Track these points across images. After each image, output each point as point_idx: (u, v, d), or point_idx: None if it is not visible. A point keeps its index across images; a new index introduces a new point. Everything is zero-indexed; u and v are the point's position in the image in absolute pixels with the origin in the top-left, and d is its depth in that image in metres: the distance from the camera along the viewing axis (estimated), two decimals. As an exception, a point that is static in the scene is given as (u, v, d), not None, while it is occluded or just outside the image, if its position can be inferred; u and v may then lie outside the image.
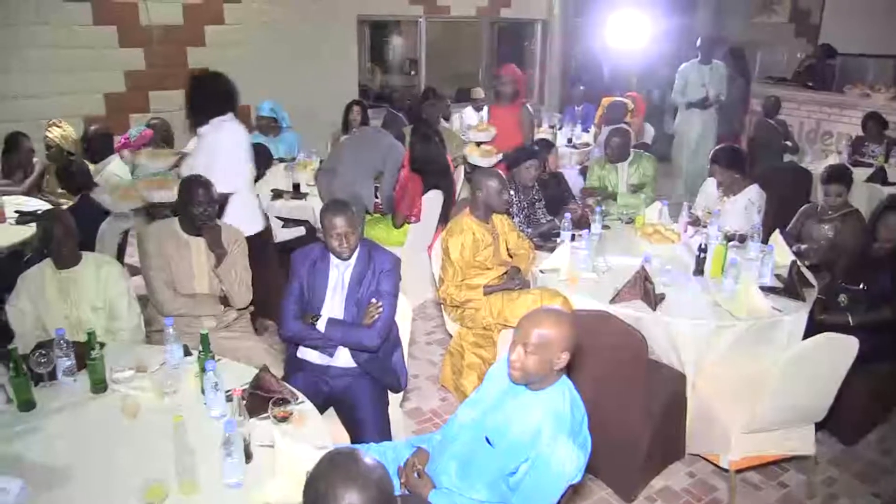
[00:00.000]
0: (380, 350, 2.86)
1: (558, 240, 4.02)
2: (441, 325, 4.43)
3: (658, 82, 9.50)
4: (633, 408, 2.92)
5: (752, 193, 4.36)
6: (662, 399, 3.09)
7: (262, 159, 5.07)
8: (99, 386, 2.45)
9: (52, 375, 2.50)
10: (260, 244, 3.67)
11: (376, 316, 2.80)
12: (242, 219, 3.58)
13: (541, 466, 1.95)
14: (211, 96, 3.68)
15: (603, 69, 10.33)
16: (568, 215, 4.07)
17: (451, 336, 3.85)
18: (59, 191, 4.94)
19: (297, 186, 5.05)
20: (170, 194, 3.55)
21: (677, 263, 3.77)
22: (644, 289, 3.31)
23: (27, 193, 4.82)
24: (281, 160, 5.67)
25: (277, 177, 5.24)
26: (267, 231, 4.20)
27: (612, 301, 3.29)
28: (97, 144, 4.86)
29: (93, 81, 6.68)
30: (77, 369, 2.52)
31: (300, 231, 4.80)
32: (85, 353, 2.45)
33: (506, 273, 3.66)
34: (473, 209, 3.64)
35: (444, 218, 4.73)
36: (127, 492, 1.92)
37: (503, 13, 9.64)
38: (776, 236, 3.94)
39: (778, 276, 3.60)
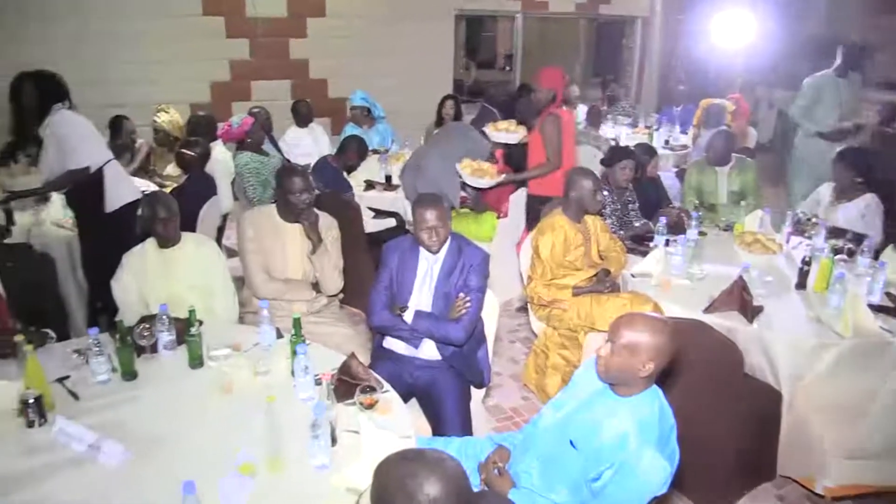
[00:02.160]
0: (465, 345, 2.86)
1: (652, 244, 3.91)
2: (526, 323, 4.39)
3: (765, 83, 9.08)
4: (724, 423, 2.80)
5: (870, 202, 4.10)
6: (755, 416, 2.95)
7: (358, 150, 5.18)
8: (196, 361, 2.56)
9: (154, 349, 2.64)
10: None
11: (463, 311, 2.80)
12: (119, 188, 3.87)
13: (625, 474, 1.90)
14: (44, 95, 3.72)
15: (705, 69, 9.96)
16: (663, 219, 3.95)
17: (535, 335, 3.82)
18: (164, 172, 5.20)
19: (388, 178, 5.12)
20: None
21: (778, 275, 3.59)
22: (741, 300, 3.17)
23: (133, 174, 5.09)
24: (374, 151, 5.76)
25: (370, 168, 5.32)
26: (357, 221, 4.28)
27: (707, 310, 3.17)
28: (201, 130, 5.08)
29: (200, 70, 7.02)
30: (177, 344, 2.65)
31: (390, 222, 4.86)
32: (185, 330, 2.57)
33: (596, 275, 3.58)
34: (566, 208, 3.58)
35: (535, 216, 4.68)
36: (219, 464, 1.99)
37: (602, 10, 9.45)
38: (890, 252, 3.69)
39: (889, 295, 3.37)
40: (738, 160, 4.84)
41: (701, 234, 4.02)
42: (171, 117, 5.19)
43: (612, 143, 6.43)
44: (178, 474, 1.87)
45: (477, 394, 3.04)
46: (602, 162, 4.52)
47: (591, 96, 9.33)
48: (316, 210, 3.25)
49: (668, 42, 10.03)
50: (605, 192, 4.06)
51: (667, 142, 7.20)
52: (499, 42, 11.38)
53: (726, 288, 3.23)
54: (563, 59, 10.11)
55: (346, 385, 2.34)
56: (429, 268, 2.90)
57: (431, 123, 6.48)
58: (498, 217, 4.66)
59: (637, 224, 4.26)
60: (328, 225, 3.28)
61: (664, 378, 2.04)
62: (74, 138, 3.68)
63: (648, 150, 4.96)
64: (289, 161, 5.29)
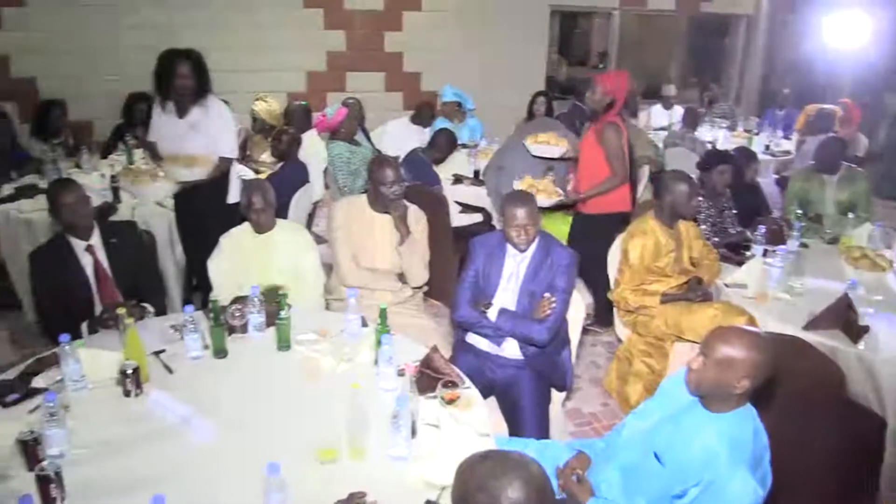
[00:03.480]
0: (548, 346, 2.82)
1: (748, 253, 3.73)
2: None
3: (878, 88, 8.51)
4: (821, 449, 2.64)
5: None
6: (855, 443, 2.77)
7: (447, 144, 5.20)
8: (284, 344, 2.62)
9: (244, 329, 2.73)
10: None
11: (549, 311, 2.76)
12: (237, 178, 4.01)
13: (713, 494, 1.82)
14: (203, 77, 3.78)
15: (812, 71, 9.43)
16: (762, 228, 3.77)
17: (619, 340, 3.72)
18: (260, 158, 5.36)
19: (476, 173, 5.11)
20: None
21: (887, 294, 3.36)
22: (845, 318, 2.98)
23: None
24: (463, 146, 5.76)
25: (459, 162, 5.32)
26: (444, 214, 4.29)
27: (807, 327, 3.00)
28: (297, 119, 5.22)
29: (297, 60, 7.22)
30: (266, 326, 2.73)
31: (477, 217, 4.86)
32: (275, 313, 2.64)
33: (686, 282, 3.45)
34: (658, 212, 3.47)
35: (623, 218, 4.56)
36: (301, 446, 2.03)
37: (704, 7, 9.09)
38: None
39: None
40: (847, 169, 4.56)
41: (803, 245, 3.81)
42: (269, 106, 5.34)
43: (709, 146, 6.18)
44: (262, 454, 1.92)
45: (556, 396, 2.99)
46: (698, 166, 4.35)
47: (688, 97, 9.00)
48: (406, 202, 3.27)
49: (774, 42, 9.55)
50: (701, 198, 3.91)
51: (767, 147, 6.87)
52: (593, 39, 11.16)
53: (830, 304, 3.05)
54: (660, 57, 9.81)
55: (427, 378, 2.35)
56: (515, 266, 2.87)
57: (522, 119, 6.43)
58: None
59: (733, 232, 4.08)
60: (417, 217, 3.30)
61: (758, 396, 1.94)
62: (230, 128, 3.88)
63: (748, 155, 4.74)
64: (379, 152, 5.36)
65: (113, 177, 4.47)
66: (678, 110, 7.51)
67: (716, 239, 3.95)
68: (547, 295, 2.79)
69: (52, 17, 6.48)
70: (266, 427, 2.19)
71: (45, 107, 5.58)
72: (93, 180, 4.51)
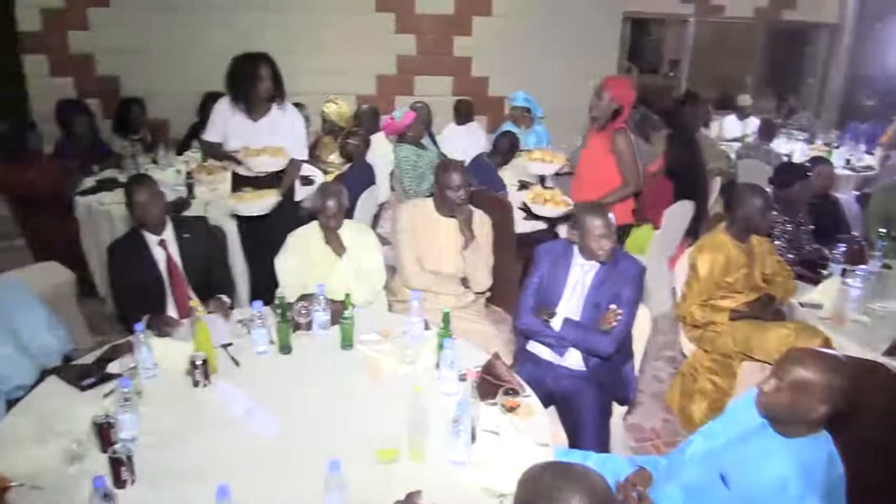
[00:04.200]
0: (612, 358, 2.77)
1: (825, 272, 3.57)
2: (673, 341, 4.19)
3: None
4: (899, 481, 2.51)
5: None
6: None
7: (508, 147, 5.18)
8: (347, 343, 2.66)
9: (309, 326, 2.78)
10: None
11: (614, 323, 2.71)
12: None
13: (782, 523, 1.75)
14: (279, 81, 3.78)
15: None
16: (841, 246, 3.61)
17: (684, 356, 3.63)
18: (328, 159, 5.45)
19: (542, 179, 5.07)
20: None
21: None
22: (931, 344, 2.83)
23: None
24: (529, 152, 5.71)
25: (524, 168, 5.28)
26: (508, 220, 4.27)
27: (887, 353, 2.85)
28: (366, 122, 5.28)
29: (367, 63, 7.31)
30: (330, 325, 2.76)
31: (541, 224, 4.81)
32: (339, 312, 2.67)
33: (757, 299, 3.33)
34: (730, 226, 3.36)
35: (693, 231, 4.46)
36: (362, 445, 2.05)
37: (786, 15, 8.79)
38: None
39: None
40: (937, 187, 4.33)
41: (885, 266, 3.63)
42: (339, 108, 5.43)
43: (785, 158, 5.97)
44: (323, 450, 1.95)
45: (617, 410, 2.93)
46: (772, 180, 4.20)
47: (764, 108, 8.71)
48: (471, 206, 3.27)
49: (858, 51, 9.15)
50: (775, 212, 3.77)
51: (848, 161, 6.59)
52: (665, 46, 10.94)
53: (914, 329, 2.90)
54: (735, 65, 9.53)
55: (488, 384, 2.33)
56: (581, 275, 2.83)
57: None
58: (654, 228, 4.47)
59: (809, 249, 3.92)
60: (482, 222, 3.29)
61: (834, 422, 1.85)
62: (302, 132, 3.95)
63: (822, 163, 4.53)
64: (445, 156, 5.38)
65: (188, 173, 4.63)
66: (753, 121, 7.29)
67: (791, 255, 3.80)
68: (613, 307, 2.74)
69: (135, 19, 6.77)
70: (328, 424, 2.22)
71: (125, 104, 5.82)
72: (168, 176, 4.68)
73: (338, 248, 3.14)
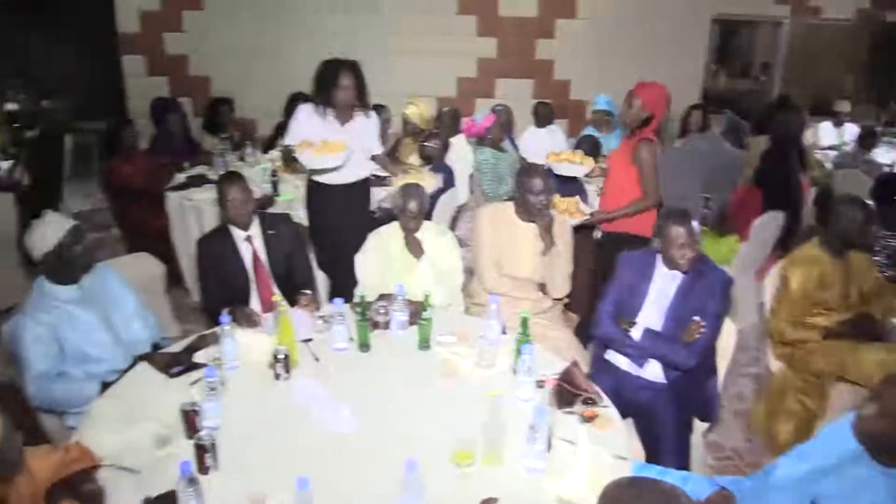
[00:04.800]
0: (693, 372, 2.67)
1: (930, 291, 3.35)
2: (759, 357, 4.01)
3: None
4: None
5: None
6: None
7: (589, 150, 5.07)
8: (424, 344, 2.66)
9: (387, 326, 2.80)
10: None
11: (697, 335, 2.62)
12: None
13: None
14: (363, 86, 3.76)
15: None
16: (949, 264, 3.38)
17: (770, 373, 3.46)
18: (408, 161, 5.50)
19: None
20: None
21: None
22: None
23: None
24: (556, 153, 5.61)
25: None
26: (588, 226, 4.19)
27: None
28: (447, 124, 5.30)
29: (449, 65, 7.36)
30: (408, 325, 2.78)
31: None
32: (418, 312, 2.68)
33: (854, 318, 3.15)
34: (825, 240, 3.19)
35: (783, 243, 4.26)
36: (438, 446, 2.05)
37: (889, 17, 8.29)
38: None
39: None
40: None
41: None
42: (420, 110, 5.46)
43: (886, 169, 5.64)
44: (399, 449, 1.97)
45: (698, 426, 2.83)
46: (872, 192, 3.97)
47: (862, 114, 8.25)
48: (552, 211, 3.23)
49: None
50: (875, 226, 3.56)
51: (956, 174, 6.16)
52: (756, 49, 10.51)
53: None
54: (832, 69, 9.06)
55: (566, 393, 2.29)
56: (665, 285, 2.75)
57: (674, 134, 6.17)
58: (740, 239, 4.30)
59: (913, 266, 3.68)
60: (562, 228, 3.24)
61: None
62: (377, 136, 3.98)
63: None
64: (524, 159, 5.34)
65: (273, 171, 4.76)
66: (850, 128, 6.92)
67: (892, 273, 3.58)
68: (697, 319, 2.65)
69: (227, 21, 7.04)
70: (404, 423, 2.23)
71: (215, 104, 6.05)
72: (254, 174, 4.82)
73: (416, 250, 3.17)
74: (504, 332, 2.74)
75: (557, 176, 4.07)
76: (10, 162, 5.35)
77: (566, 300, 3.40)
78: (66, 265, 2.58)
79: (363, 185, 4.01)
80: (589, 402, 2.21)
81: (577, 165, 4.21)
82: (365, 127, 3.84)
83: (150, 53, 7.16)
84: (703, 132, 5.79)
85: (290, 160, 3.92)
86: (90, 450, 1.97)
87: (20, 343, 2.49)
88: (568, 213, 3.85)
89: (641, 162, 3.60)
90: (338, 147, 3.54)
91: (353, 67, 3.69)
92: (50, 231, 2.53)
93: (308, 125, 3.72)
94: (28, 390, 2.44)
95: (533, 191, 3.09)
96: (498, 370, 2.52)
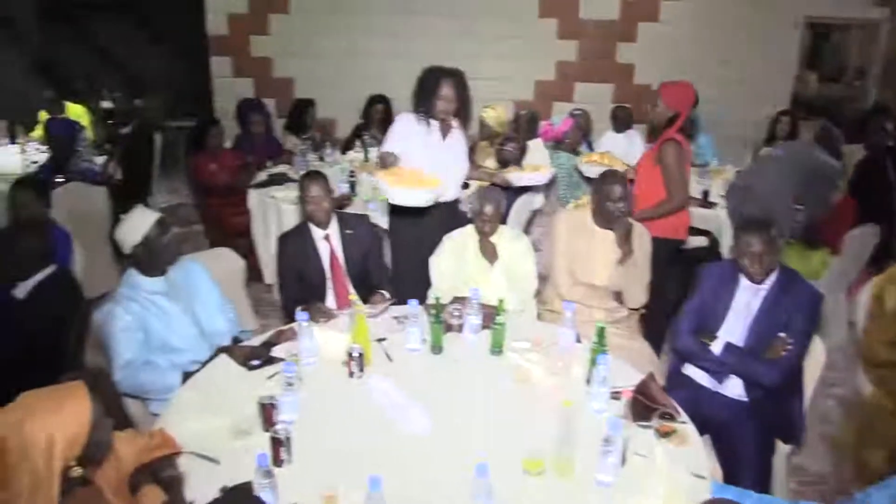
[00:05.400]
0: (778, 391, 2.56)
1: None
2: (848, 378, 3.80)
3: None
4: None
5: None
6: None
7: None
8: (497, 349, 2.65)
9: (460, 329, 2.79)
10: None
11: (782, 352, 2.51)
12: None
13: None
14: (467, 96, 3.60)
15: None
16: None
17: (860, 396, 3.27)
18: (484, 164, 5.49)
19: (706, 194, 4.81)
20: None
21: None
22: None
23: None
24: (691, 165, 5.44)
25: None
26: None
27: None
28: (524, 127, 5.27)
29: (526, 69, 7.31)
30: (481, 328, 2.77)
31: (702, 241, 4.57)
32: (492, 316, 2.67)
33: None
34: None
35: (877, 258, 4.03)
36: (508, 453, 2.03)
37: None
38: None
39: None
40: None
41: None
42: (498, 114, 5.44)
43: None
44: (470, 453, 1.96)
45: (780, 448, 2.70)
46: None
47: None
48: (630, 219, 3.15)
49: None
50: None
51: None
52: (849, 52, 10.01)
53: None
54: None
55: (642, 406, 2.23)
56: (748, 299, 2.65)
57: (760, 140, 5.94)
58: (832, 253, 4.09)
59: None
60: (641, 236, 3.16)
61: None
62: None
63: None
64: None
65: (351, 171, 4.84)
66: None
67: None
68: (782, 335, 2.54)
69: (311, 24, 7.21)
70: (475, 427, 2.22)
71: (298, 105, 6.20)
72: (334, 173, 4.91)
73: (491, 255, 3.15)
74: (578, 341, 2.69)
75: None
76: (105, 157, 5.65)
77: (643, 311, 3.31)
78: (153, 257, 2.69)
79: (453, 206, 3.80)
80: (666, 416, 2.14)
81: (597, 163, 4.24)
82: (459, 141, 3.71)
83: (236, 55, 7.42)
84: (791, 139, 5.55)
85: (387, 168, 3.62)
86: (172, 437, 2.04)
87: (109, 331, 2.61)
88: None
89: (666, 162, 3.55)
90: (431, 183, 3.27)
91: (455, 76, 3.51)
92: (138, 224, 2.65)
93: (407, 136, 3.55)
94: (115, 376, 2.55)
95: (611, 197, 3.03)
96: (571, 379, 2.47)
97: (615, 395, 2.29)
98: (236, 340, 2.84)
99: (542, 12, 7.12)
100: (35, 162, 5.31)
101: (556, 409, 2.04)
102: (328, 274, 3.21)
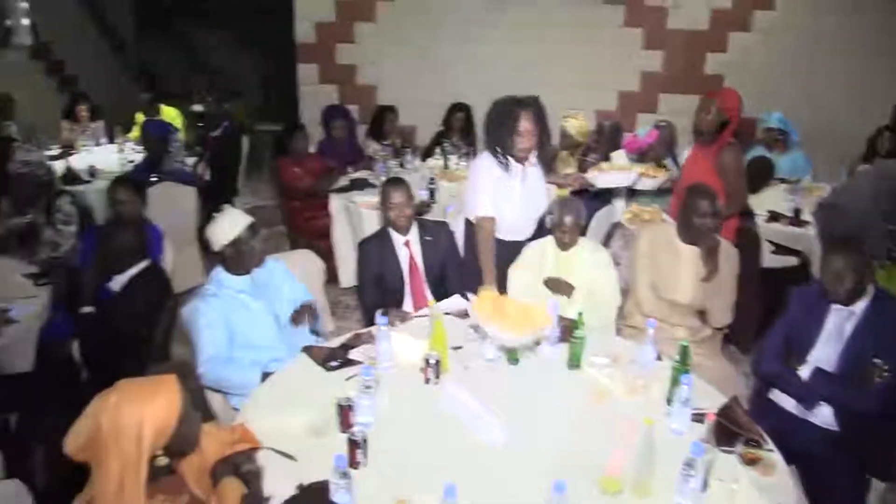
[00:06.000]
0: (872, 421, 2.41)
1: None
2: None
3: None
4: None
5: None
6: None
7: (759, 173, 4.76)
8: (574, 363, 2.60)
9: (537, 341, 2.75)
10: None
11: (878, 380, 2.37)
12: None
13: None
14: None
15: None
16: None
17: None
18: (564, 173, 5.43)
19: (797, 212, 4.60)
20: None
21: None
22: None
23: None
24: (782, 180, 5.23)
25: (775, 198, 4.84)
26: (755, 253, 3.94)
27: None
28: (607, 138, 5.19)
29: (610, 79, 7.18)
30: (558, 342, 2.72)
31: (792, 261, 4.37)
32: (569, 330, 2.63)
33: None
34: None
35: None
36: (583, 469, 1.99)
37: None
38: None
39: None
40: None
41: None
42: (579, 123, 5.37)
43: None
44: (546, 467, 1.94)
45: (875, 485, 2.54)
46: None
47: None
48: (717, 236, 3.05)
49: None
50: None
51: None
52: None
53: None
54: None
55: (726, 430, 2.14)
56: (840, 323, 2.52)
57: (857, 156, 5.64)
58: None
59: None
60: (728, 254, 3.05)
61: None
62: None
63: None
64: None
65: (431, 178, 4.88)
66: None
67: None
68: (879, 361, 2.39)
69: (395, 33, 7.34)
70: (550, 441, 2.19)
71: (380, 112, 6.30)
72: (414, 180, 4.96)
73: (566, 289, 3.11)
74: (659, 359, 2.62)
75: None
76: (195, 159, 5.89)
77: (726, 331, 3.20)
78: (240, 258, 2.79)
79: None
80: (752, 443, 2.06)
81: (652, 178, 4.25)
82: (538, 179, 3.42)
83: (322, 62, 7.61)
84: (893, 156, 5.25)
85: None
86: (252, 432, 2.09)
87: (194, 326, 2.72)
88: (651, 222, 3.86)
89: (727, 167, 3.59)
90: (540, 321, 2.58)
91: (533, 106, 3.20)
92: (230, 225, 2.74)
93: (492, 187, 3.27)
94: (198, 370, 2.64)
95: (699, 212, 2.94)
96: (651, 398, 2.40)
97: (697, 418, 2.21)
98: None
99: (628, 21, 7.00)
100: (131, 161, 5.60)
101: (635, 427, 1.99)
102: (407, 279, 3.24)
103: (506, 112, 3.19)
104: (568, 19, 7.01)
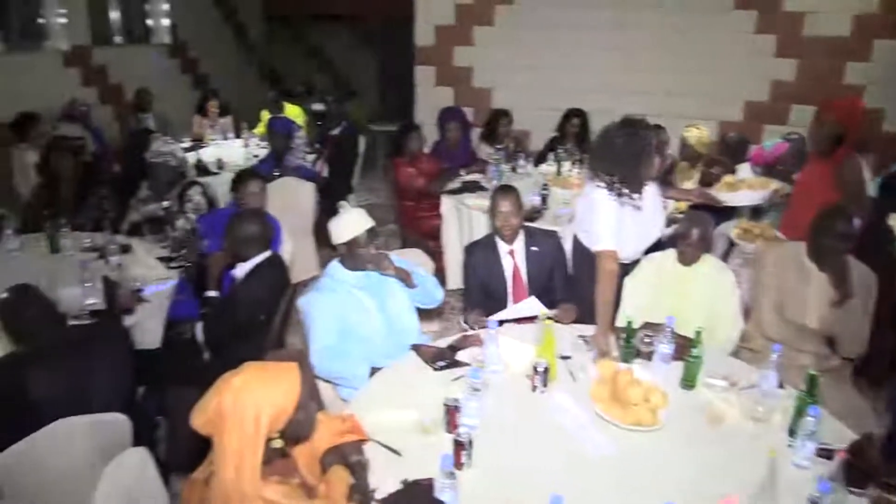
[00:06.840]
0: None
1: None
2: None
3: None
4: None
5: None
6: None
7: None
8: (689, 383, 2.49)
9: (650, 356, 2.66)
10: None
11: None
12: None
13: None
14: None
15: None
16: None
17: None
18: (683, 186, 5.22)
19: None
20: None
21: None
22: None
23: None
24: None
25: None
26: (892, 282, 3.65)
27: None
28: (732, 150, 4.96)
29: (735, 88, 6.84)
30: (672, 359, 2.62)
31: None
32: (685, 348, 2.52)
33: None
34: None
35: None
36: (696, 496, 1.92)
37: None
38: None
39: None
40: None
41: None
42: (701, 133, 5.16)
43: None
44: (657, 488, 1.87)
45: None
46: None
47: None
48: (851, 258, 2.84)
49: None
50: None
51: None
52: None
53: None
54: None
55: (857, 471, 1.98)
56: None
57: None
58: None
59: None
60: (864, 279, 2.83)
61: None
62: None
63: None
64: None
65: (543, 184, 4.83)
66: None
67: None
68: None
69: (512, 37, 7.32)
70: (661, 461, 2.12)
71: (494, 115, 6.29)
72: (526, 185, 4.92)
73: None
74: (781, 386, 2.46)
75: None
76: (314, 156, 6.12)
77: (857, 362, 2.97)
78: (353, 258, 2.86)
79: None
80: (890, 489, 1.89)
81: (756, 192, 4.09)
82: (654, 200, 3.17)
83: (439, 65, 7.71)
84: None
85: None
86: (360, 425, 2.14)
87: (309, 317, 2.81)
88: (763, 240, 3.72)
89: (848, 179, 3.50)
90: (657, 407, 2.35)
91: (656, 130, 3.11)
92: (352, 225, 2.82)
93: (614, 218, 3.01)
94: (311, 359, 2.72)
95: (828, 233, 2.74)
96: (771, 427, 2.26)
97: (823, 453, 2.06)
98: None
99: (760, 28, 6.64)
100: (256, 156, 5.88)
101: (754, 456, 1.89)
102: (510, 288, 3.22)
103: (634, 139, 2.90)
104: (694, 25, 6.75)
